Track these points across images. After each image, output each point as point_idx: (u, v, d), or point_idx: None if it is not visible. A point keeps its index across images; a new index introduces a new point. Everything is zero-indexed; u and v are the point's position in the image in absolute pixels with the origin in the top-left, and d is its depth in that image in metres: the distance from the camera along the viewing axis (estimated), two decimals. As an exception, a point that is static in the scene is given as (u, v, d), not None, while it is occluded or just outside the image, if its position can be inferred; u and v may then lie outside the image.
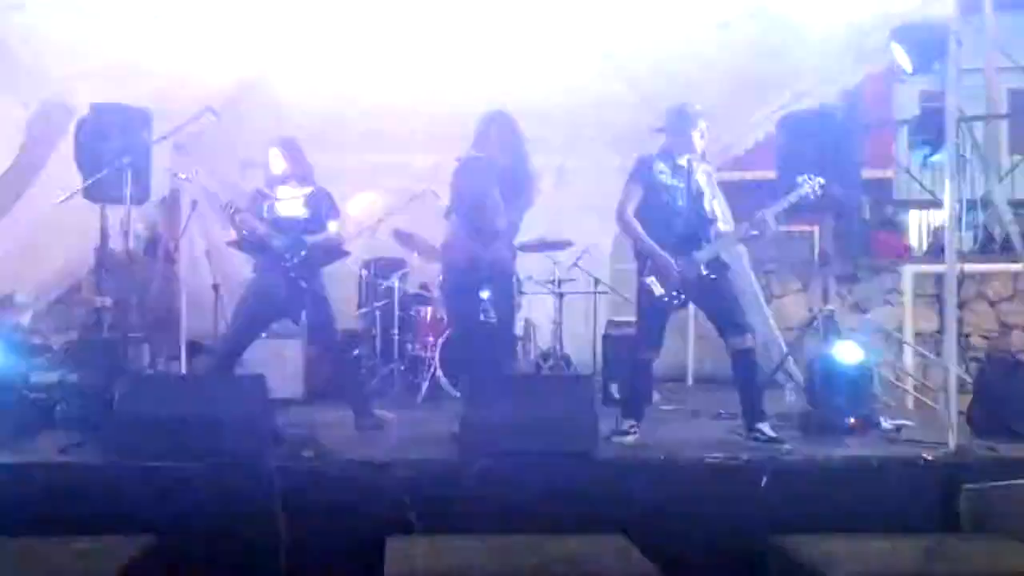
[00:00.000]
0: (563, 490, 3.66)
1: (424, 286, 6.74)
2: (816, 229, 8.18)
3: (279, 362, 5.87)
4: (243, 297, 4.77)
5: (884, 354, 6.71)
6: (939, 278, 7.31)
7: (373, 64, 6.46)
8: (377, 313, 6.39)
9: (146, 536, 3.06)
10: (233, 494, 3.58)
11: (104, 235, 4.64)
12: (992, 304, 7.80)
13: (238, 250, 5.20)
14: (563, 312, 6.60)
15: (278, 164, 4.77)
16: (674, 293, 4.26)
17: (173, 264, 6.90)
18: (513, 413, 3.82)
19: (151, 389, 4.04)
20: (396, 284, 6.23)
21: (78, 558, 2.83)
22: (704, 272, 4.27)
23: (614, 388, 5.78)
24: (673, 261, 4.23)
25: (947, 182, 4.06)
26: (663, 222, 4.30)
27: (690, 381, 7.35)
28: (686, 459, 3.80)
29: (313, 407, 5.61)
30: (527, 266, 6.47)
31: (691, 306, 4.54)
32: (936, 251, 8.75)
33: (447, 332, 5.89)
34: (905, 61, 4.21)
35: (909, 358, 6.70)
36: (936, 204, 9.09)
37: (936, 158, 4.30)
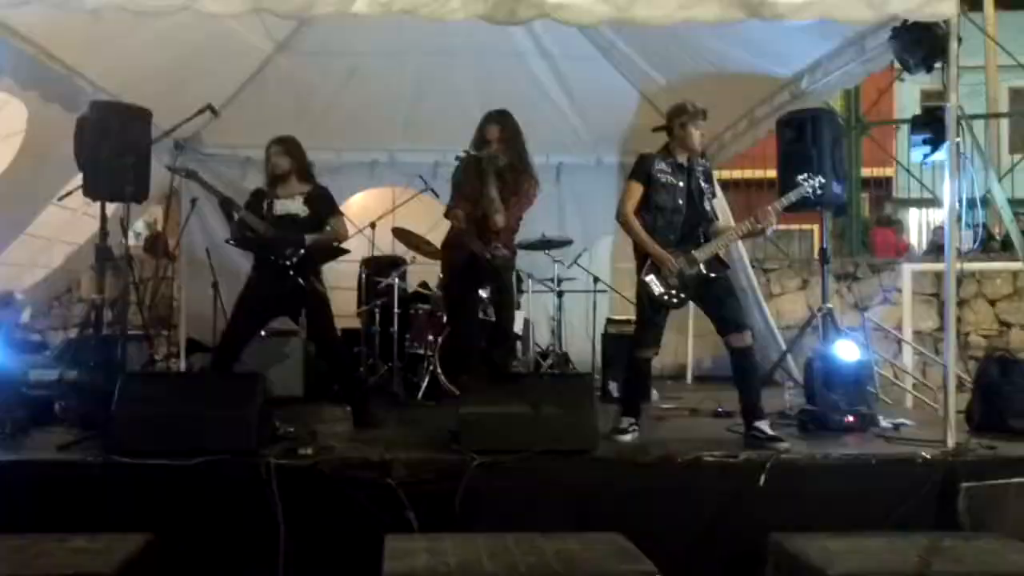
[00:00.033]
0: (562, 489, 3.66)
1: (424, 285, 6.74)
2: (816, 227, 8.19)
3: (278, 360, 5.88)
4: (242, 295, 4.77)
5: (883, 353, 6.73)
6: (938, 277, 7.33)
7: (372, 63, 6.49)
8: (376, 311, 6.39)
9: (144, 533, 3.06)
10: (231, 492, 3.58)
11: (104, 233, 4.63)
12: (991, 303, 7.80)
13: (237, 248, 5.21)
14: (563, 310, 6.60)
15: (278, 162, 4.76)
16: (673, 291, 4.26)
17: (173, 262, 6.90)
18: (512, 411, 3.82)
19: (150, 387, 4.04)
20: (395, 282, 6.22)
21: (76, 555, 2.82)
22: (703, 270, 4.28)
23: (613, 386, 5.79)
24: (673, 259, 4.24)
25: (947, 181, 4.06)
26: (663, 220, 4.30)
27: (689, 379, 7.36)
28: (685, 457, 3.79)
29: (312, 405, 5.61)
30: (527, 264, 6.48)
31: (690, 304, 4.53)
32: (935, 249, 8.78)
33: (446, 330, 5.88)
34: (905, 61, 4.20)
35: (908, 357, 6.71)
36: (936, 203, 9.11)
37: (936, 157, 4.28)
